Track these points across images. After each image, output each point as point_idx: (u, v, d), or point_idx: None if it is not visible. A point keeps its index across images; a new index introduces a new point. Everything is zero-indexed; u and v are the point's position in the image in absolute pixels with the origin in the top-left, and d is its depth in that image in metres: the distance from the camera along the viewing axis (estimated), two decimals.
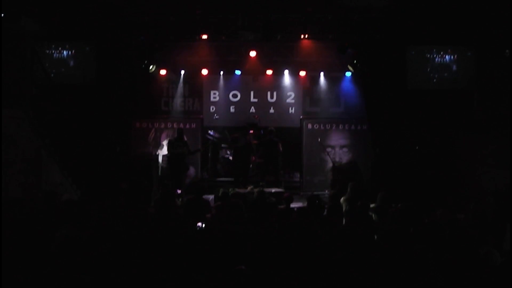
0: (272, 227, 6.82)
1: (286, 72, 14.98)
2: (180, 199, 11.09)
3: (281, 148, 13.11)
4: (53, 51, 13.91)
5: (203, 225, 7.52)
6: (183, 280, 4.95)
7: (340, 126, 14.32)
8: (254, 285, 4.59)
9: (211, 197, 11.78)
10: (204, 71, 14.76)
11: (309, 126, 14.29)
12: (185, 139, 12.78)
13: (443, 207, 7.51)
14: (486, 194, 8.39)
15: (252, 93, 15.17)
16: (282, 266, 5.07)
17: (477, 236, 6.22)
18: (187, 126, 14.27)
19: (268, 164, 13.06)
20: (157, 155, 13.88)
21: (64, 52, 13.97)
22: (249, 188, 11.53)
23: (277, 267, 5.02)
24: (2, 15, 9.94)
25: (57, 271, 4.72)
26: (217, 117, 14.75)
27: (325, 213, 9.03)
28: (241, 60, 14.60)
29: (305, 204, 9.32)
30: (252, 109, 15.04)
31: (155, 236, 6.04)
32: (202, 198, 8.96)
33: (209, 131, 14.53)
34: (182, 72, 14.81)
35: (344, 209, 8.84)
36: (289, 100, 15.15)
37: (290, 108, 15.17)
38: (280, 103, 15.15)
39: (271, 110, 15.15)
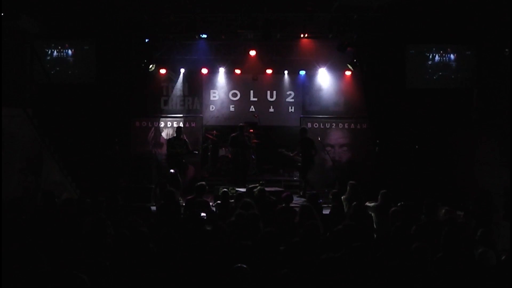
0: (273, 226, 6.81)
1: (286, 71, 14.98)
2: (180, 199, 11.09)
3: (251, 143, 13.10)
4: (53, 50, 13.90)
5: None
6: (183, 279, 4.95)
7: (340, 125, 14.34)
8: (254, 283, 4.59)
9: (210, 196, 11.78)
10: (204, 70, 14.75)
11: (309, 125, 14.29)
12: (185, 138, 12.78)
13: (444, 206, 7.53)
14: (483, 193, 8.41)
15: (252, 92, 15.16)
16: (282, 264, 5.07)
17: (474, 236, 6.23)
18: (187, 125, 14.29)
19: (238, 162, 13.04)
20: (157, 154, 13.88)
21: (64, 51, 13.95)
22: (248, 187, 11.49)
23: (277, 265, 5.03)
24: (2, 14, 9.93)
25: (57, 270, 4.72)
26: (217, 116, 14.75)
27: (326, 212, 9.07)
28: (241, 59, 14.59)
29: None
30: (252, 108, 15.04)
31: (154, 236, 6.04)
32: (202, 198, 8.95)
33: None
34: (182, 71, 14.80)
35: (344, 208, 8.85)
36: (288, 99, 15.15)
37: (289, 107, 15.16)
38: (279, 102, 15.15)
39: (271, 109, 15.15)
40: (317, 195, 9.07)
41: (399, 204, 8.20)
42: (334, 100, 14.94)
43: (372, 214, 8.23)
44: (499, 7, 11.49)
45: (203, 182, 9.50)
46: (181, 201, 10.24)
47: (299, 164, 13.02)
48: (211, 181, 13.76)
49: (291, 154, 13.04)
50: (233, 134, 12.87)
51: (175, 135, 12.88)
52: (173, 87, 14.92)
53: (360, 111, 14.46)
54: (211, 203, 9.57)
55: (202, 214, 7.87)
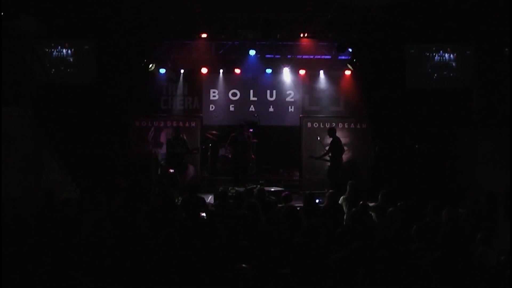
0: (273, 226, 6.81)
1: (286, 70, 14.98)
2: (178, 198, 11.09)
3: (251, 142, 13.09)
4: (53, 50, 13.88)
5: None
6: (185, 279, 4.95)
7: (340, 125, 14.32)
8: (256, 283, 4.59)
9: (210, 196, 11.79)
10: (204, 70, 14.77)
11: (309, 124, 14.29)
12: (185, 137, 12.78)
13: (445, 206, 7.52)
14: (482, 194, 8.40)
15: (251, 91, 15.18)
16: (283, 264, 5.07)
17: (474, 236, 6.23)
18: (187, 124, 14.28)
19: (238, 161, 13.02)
20: (157, 154, 13.88)
21: (64, 50, 13.93)
22: (248, 186, 11.51)
23: (278, 265, 5.02)
24: (2, 13, 9.93)
25: (56, 270, 4.72)
26: (216, 115, 14.75)
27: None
28: (240, 58, 14.60)
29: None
30: (252, 108, 15.06)
31: (154, 235, 6.04)
32: (197, 196, 8.94)
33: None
34: (182, 70, 14.81)
35: (344, 208, 8.84)
36: (288, 99, 15.17)
37: (289, 107, 15.19)
38: (279, 102, 15.17)
39: (271, 109, 15.17)
40: (314, 195, 8.99)
41: (398, 204, 8.20)
42: (334, 99, 14.96)
43: (372, 214, 8.23)
44: (499, 7, 11.49)
45: (196, 181, 9.51)
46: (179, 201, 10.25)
47: (328, 165, 12.95)
48: (211, 181, 13.81)
49: (321, 154, 12.99)
50: (233, 134, 12.87)
51: (174, 134, 12.88)
52: (173, 86, 14.93)
53: (360, 110, 14.46)
54: (211, 203, 9.58)
55: (202, 214, 7.88)
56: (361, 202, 7.95)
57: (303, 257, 5.42)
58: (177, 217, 7.89)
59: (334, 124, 14.00)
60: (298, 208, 7.97)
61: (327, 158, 12.85)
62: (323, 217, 8.27)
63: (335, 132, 12.82)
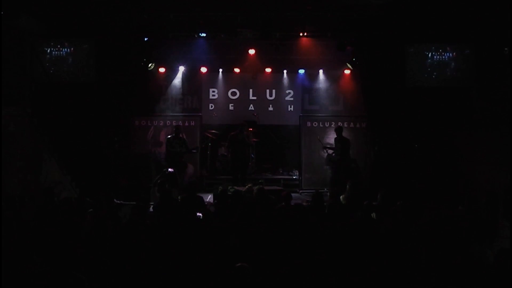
0: (273, 225, 6.83)
1: (285, 70, 14.99)
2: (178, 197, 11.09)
3: (250, 142, 13.09)
4: (52, 49, 13.83)
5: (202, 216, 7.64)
6: (185, 278, 4.96)
7: (339, 124, 14.32)
8: (256, 282, 4.60)
9: (210, 195, 11.80)
10: (203, 69, 14.78)
11: (308, 124, 14.29)
12: (184, 136, 12.79)
13: (442, 205, 7.54)
14: (482, 193, 8.41)
15: (251, 91, 15.20)
16: (283, 263, 5.08)
17: (471, 235, 6.25)
18: (186, 124, 14.28)
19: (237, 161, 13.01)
20: (156, 153, 13.88)
21: (63, 49, 13.89)
22: (247, 186, 11.52)
23: (278, 264, 5.03)
24: (2, 13, 9.93)
25: (57, 269, 4.73)
26: (216, 115, 14.75)
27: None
28: (240, 58, 14.60)
29: (304, 202, 9.33)
30: (251, 107, 15.06)
31: (154, 234, 6.05)
32: (196, 196, 8.94)
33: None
34: (180, 69, 14.81)
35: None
36: (288, 98, 15.18)
37: (289, 106, 15.20)
38: (279, 101, 15.17)
39: (270, 108, 15.18)
40: (322, 194, 8.98)
41: (398, 203, 8.20)
42: (333, 99, 14.97)
43: (372, 214, 8.23)
44: (498, 6, 11.49)
45: (194, 179, 9.50)
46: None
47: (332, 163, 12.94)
48: (211, 180, 13.81)
49: (330, 152, 13.04)
50: (233, 133, 12.88)
51: (174, 134, 12.88)
52: (172, 86, 14.91)
53: (359, 110, 14.46)
54: (211, 202, 9.58)
55: (198, 214, 7.88)
56: (365, 203, 7.96)
57: (304, 255, 5.43)
58: (177, 217, 7.90)
59: (333, 124, 14.01)
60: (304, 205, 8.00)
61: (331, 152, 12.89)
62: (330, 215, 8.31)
63: (342, 131, 12.82)
